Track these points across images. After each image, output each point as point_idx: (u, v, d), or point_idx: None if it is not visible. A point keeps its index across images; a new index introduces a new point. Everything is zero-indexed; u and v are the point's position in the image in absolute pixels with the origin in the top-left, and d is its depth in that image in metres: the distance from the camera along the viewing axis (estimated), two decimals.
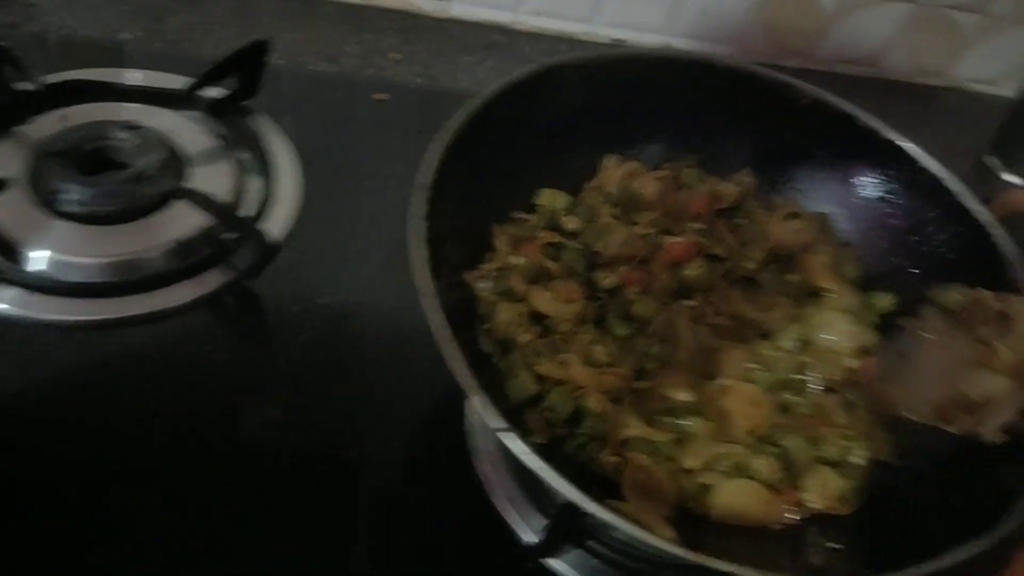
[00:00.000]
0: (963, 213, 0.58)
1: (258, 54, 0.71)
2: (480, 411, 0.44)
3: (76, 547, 0.51)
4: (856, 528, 0.52)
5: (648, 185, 0.64)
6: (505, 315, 0.56)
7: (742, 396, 0.55)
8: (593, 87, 0.60)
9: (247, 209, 0.66)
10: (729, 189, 0.64)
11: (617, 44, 0.95)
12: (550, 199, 0.63)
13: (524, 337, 0.56)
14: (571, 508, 0.43)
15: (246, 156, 0.70)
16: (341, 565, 0.53)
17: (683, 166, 0.65)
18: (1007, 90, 1.00)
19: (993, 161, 0.97)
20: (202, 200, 0.62)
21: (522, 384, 0.53)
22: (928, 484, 0.52)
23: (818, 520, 0.53)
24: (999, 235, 0.57)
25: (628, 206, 0.63)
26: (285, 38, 0.89)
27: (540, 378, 0.54)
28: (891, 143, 0.62)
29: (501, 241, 0.60)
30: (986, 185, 0.95)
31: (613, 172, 0.65)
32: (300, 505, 0.55)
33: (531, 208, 0.63)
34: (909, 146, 0.61)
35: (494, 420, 0.44)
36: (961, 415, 0.49)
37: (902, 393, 0.52)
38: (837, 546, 0.51)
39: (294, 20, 0.91)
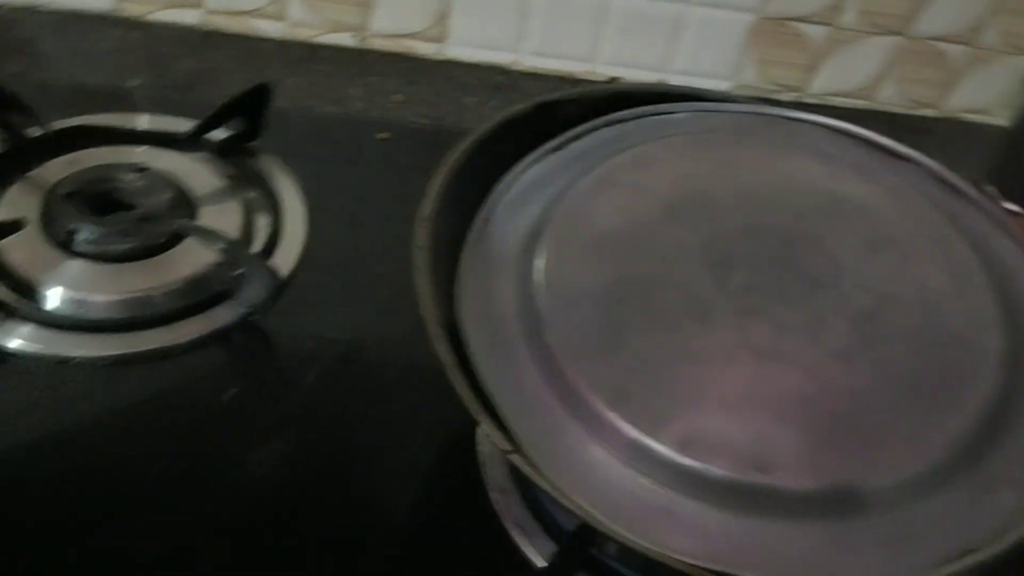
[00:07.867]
0: None
1: (262, 97, 0.72)
2: (488, 434, 0.45)
3: None
4: None
5: None
6: None
7: None
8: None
9: (255, 246, 0.67)
10: None
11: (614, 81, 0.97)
12: None
13: None
14: (585, 529, 0.43)
15: (253, 195, 0.71)
16: None
17: None
18: (1001, 119, 1.01)
19: (991, 190, 0.98)
20: (211, 237, 0.63)
21: None
22: None
23: None
24: None
25: None
26: (289, 82, 0.91)
27: None
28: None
29: None
30: None
31: None
32: (312, 541, 0.54)
33: None
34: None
35: (502, 442, 0.44)
36: None
37: None
38: None
39: (298, 66, 0.94)
